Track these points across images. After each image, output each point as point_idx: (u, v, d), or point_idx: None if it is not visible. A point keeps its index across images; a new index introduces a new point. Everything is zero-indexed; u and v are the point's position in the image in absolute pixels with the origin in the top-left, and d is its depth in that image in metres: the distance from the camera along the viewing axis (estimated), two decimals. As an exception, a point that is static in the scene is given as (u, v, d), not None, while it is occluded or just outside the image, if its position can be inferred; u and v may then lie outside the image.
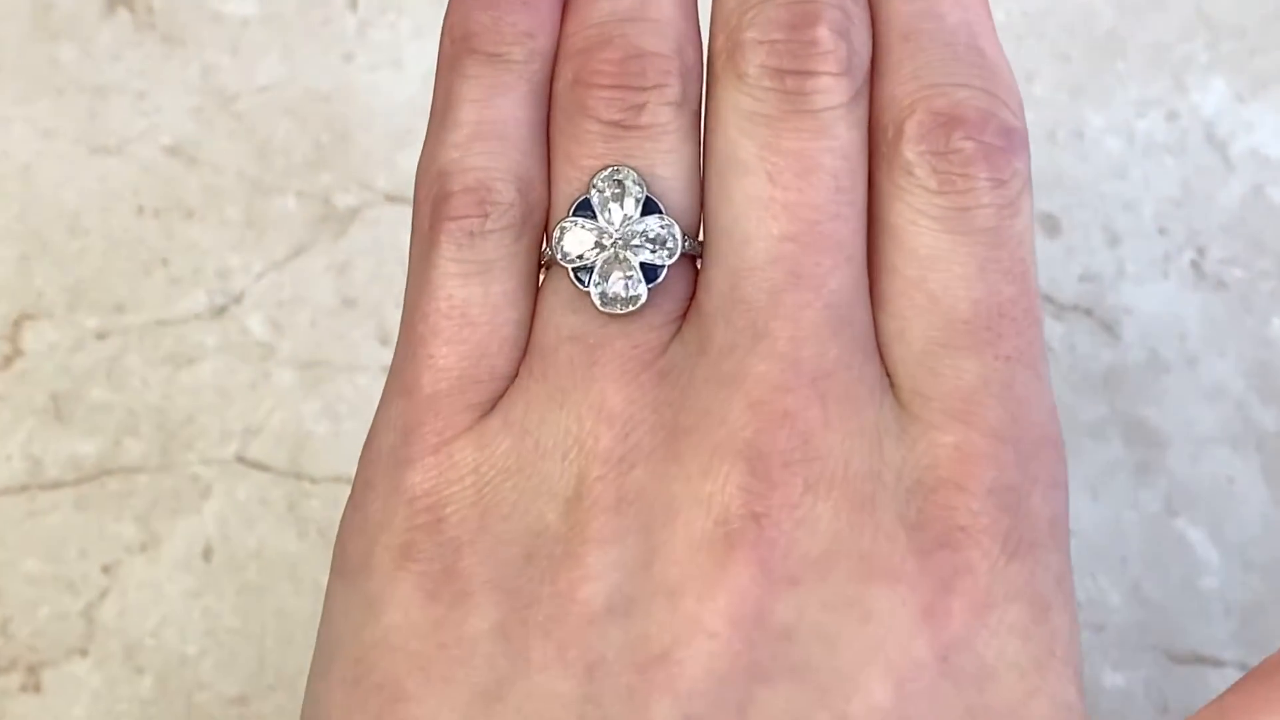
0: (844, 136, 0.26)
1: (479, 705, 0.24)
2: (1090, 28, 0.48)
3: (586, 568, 0.24)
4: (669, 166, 0.27)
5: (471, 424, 0.26)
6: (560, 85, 0.27)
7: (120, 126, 0.47)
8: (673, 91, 0.26)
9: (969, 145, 0.26)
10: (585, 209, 0.26)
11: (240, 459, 0.44)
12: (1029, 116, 0.27)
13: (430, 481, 0.25)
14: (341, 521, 0.27)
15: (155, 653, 0.42)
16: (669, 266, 0.26)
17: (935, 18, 0.27)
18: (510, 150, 0.27)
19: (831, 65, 0.26)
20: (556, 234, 0.26)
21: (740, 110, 0.26)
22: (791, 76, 0.26)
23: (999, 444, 0.25)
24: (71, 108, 0.47)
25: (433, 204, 0.27)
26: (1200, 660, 0.42)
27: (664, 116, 0.27)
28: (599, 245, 0.26)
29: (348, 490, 0.27)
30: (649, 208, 0.26)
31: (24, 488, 0.43)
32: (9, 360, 0.44)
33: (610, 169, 0.26)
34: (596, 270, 0.26)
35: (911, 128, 0.26)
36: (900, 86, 0.26)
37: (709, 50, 0.27)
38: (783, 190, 0.26)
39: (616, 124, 0.26)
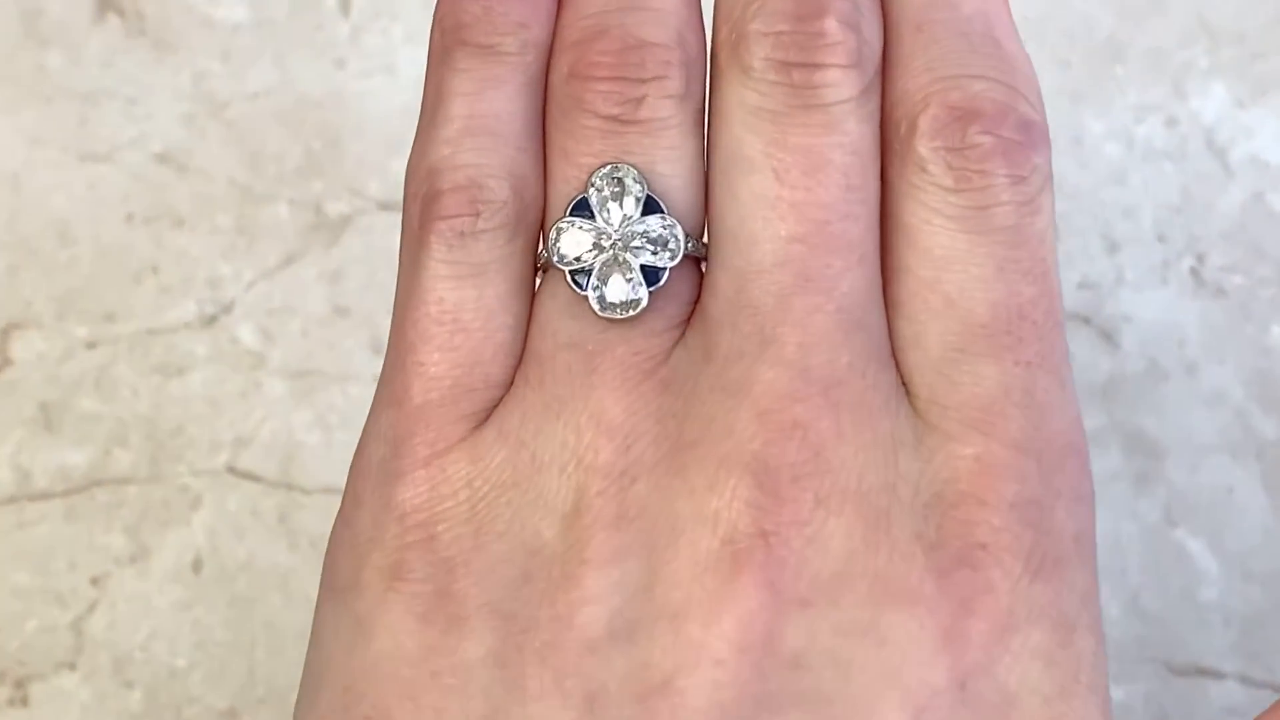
0: (854, 132, 0.25)
1: None
2: (1090, 33, 0.47)
3: (585, 590, 0.23)
4: (671, 163, 0.25)
5: (465, 435, 0.25)
6: (555, 79, 0.26)
7: (110, 134, 0.46)
8: (674, 83, 0.25)
9: (986, 140, 0.24)
10: (583, 209, 0.25)
11: (231, 469, 0.43)
12: (1028, 121, 0.26)
13: (421, 496, 0.24)
14: (330, 537, 0.26)
15: (144, 666, 0.41)
16: (671, 269, 0.25)
17: (949, 8, 0.26)
18: (503, 146, 0.26)
19: (840, 57, 0.24)
20: (553, 235, 0.25)
21: (745, 105, 0.25)
22: (798, 69, 0.24)
23: (1021, 455, 0.24)
24: (61, 115, 0.46)
25: (422, 203, 0.25)
26: (1200, 672, 0.42)
27: (665, 110, 0.25)
28: (597, 247, 0.25)
29: (340, 502, 0.26)
30: (650, 207, 0.25)
31: (12, 499, 0.43)
32: (-3, 370, 0.44)
33: (609, 166, 0.25)
34: (595, 273, 0.25)
35: (925, 122, 0.25)
36: (913, 80, 0.25)
37: (712, 44, 0.26)
38: (790, 189, 0.24)
39: (615, 119, 0.25)
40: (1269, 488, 0.43)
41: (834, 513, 0.23)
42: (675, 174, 0.25)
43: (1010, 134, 0.24)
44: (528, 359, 0.25)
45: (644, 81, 0.25)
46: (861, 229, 0.25)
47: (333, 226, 0.45)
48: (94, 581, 0.42)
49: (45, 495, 0.43)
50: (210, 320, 0.44)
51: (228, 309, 0.44)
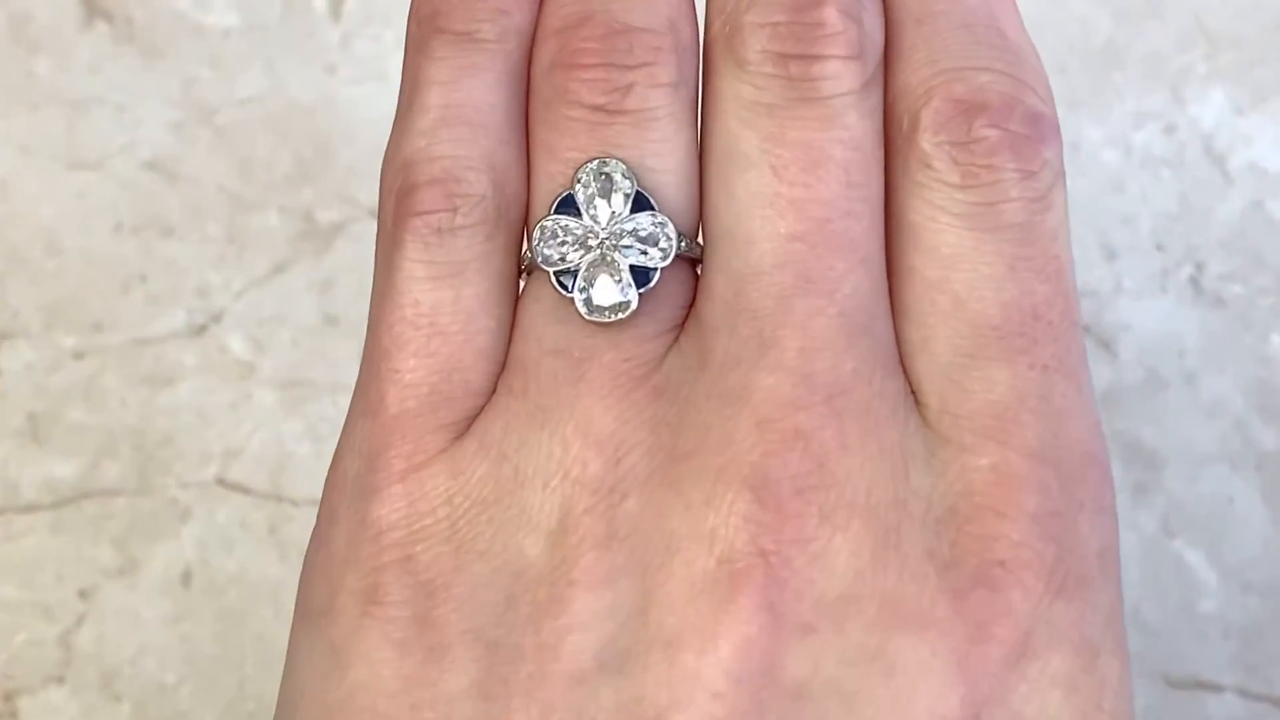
0: (856, 126, 0.23)
1: None
2: (1087, 39, 0.47)
3: (573, 615, 0.21)
4: (661, 157, 0.24)
5: (444, 447, 0.23)
6: (537, 69, 0.24)
7: (99, 141, 0.46)
8: (664, 71, 0.24)
9: (992, 134, 0.23)
10: (568, 206, 0.24)
11: (220, 481, 0.43)
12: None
13: (398, 514, 0.23)
14: (306, 557, 0.24)
15: (133, 680, 0.41)
16: (663, 270, 0.23)
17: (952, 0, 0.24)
18: (481, 138, 0.24)
19: (840, 48, 0.23)
20: (536, 234, 0.24)
21: (741, 99, 0.23)
22: (796, 61, 0.23)
23: (1039, 465, 0.22)
24: (49, 122, 0.46)
25: (396, 198, 0.24)
26: (1199, 685, 0.41)
27: (655, 100, 0.24)
28: (584, 246, 0.23)
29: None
30: (639, 203, 0.23)
31: (0, 511, 0.42)
32: (-17, 380, 0.43)
33: (596, 161, 0.23)
34: (581, 274, 0.23)
35: (928, 117, 0.23)
36: (915, 73, 0.24)
37: (705, 38, 0.25)
38: (789, 185, 0.23)
39: (601, 109, 0.24)
40: (1268, 498, 0.43)
41: (839, 529, 0.21)
42: (666, 169, 0.24)
43: (1018, 127, 0.23)
44: (511, 366, 0.24)
45: (631, 68, 0.24)
46: (864, 228, 0.23)
47: (324, 234, 0.45)
48: (82, 594, 0.42)
49: (33, 507, 0.42)
50: (199, 330, 0.44)
51: (217, 318, 0.44)
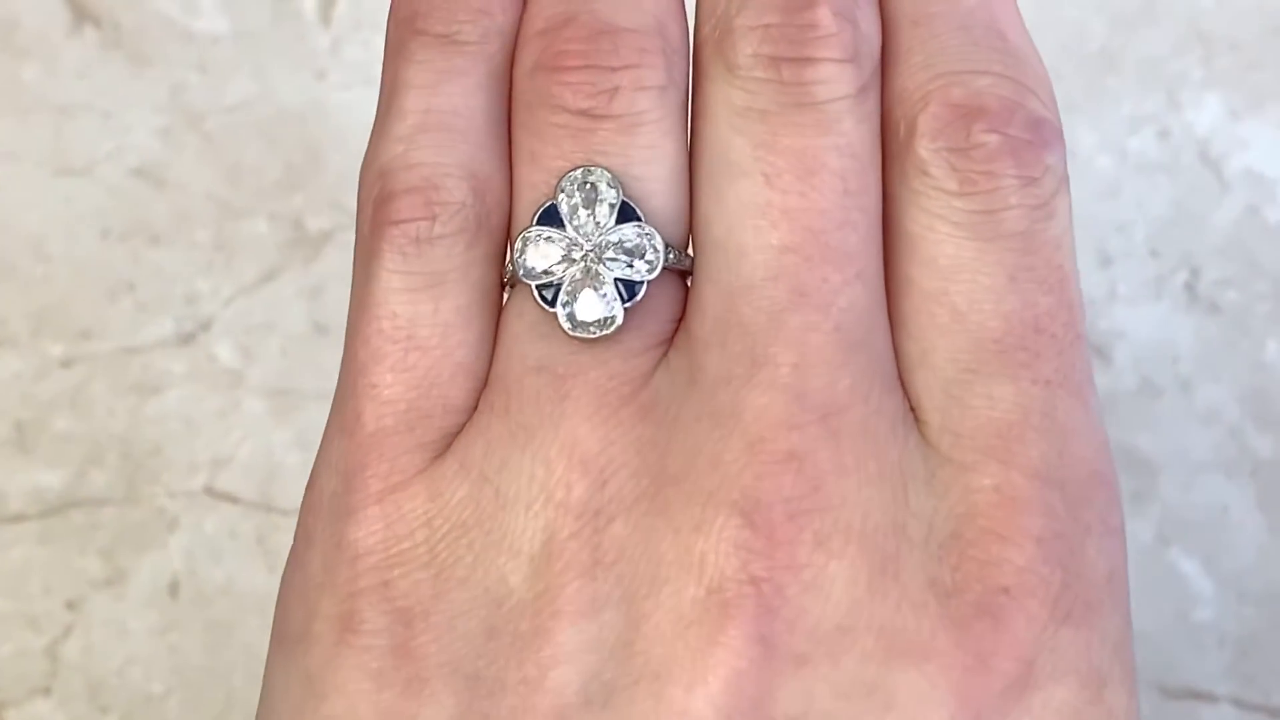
0: (851, 132, 0.22)
1: None
2: (1082, 43, 0.47)
3: (557, 647, 0.20)
4: (648, 165, 0.23)
5: (422, 467, 0.22)
6: (520, 72, 0.23)
7: (86, 148, 0.45)
8: (651, 74, 0.22)
9: (992, 139, 0.22)
10: (551, 217, 0.22)
11: (208, 490, 0.42)
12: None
13: (375, 537, 0.22)
14: (283, 577, 0.23)
15: (120, 691, 0.40)
16: (650, 283, 0.22)
17: (949, 0, 0.23)
18: (461, 144, 0.23)
19: (834, 51, 0.22)
20: (518, 246, 0.22)
21: (732, 105, 0.22)
22: (789, 65, 0.22)
23: (1044, 486, 0.21)
24: (36, 128, 0.45)
25: (374, 207, 0.23)
26: (1194, 695, 0.41)
27: (642, 104, 0.22)
28: (567, 259, 0.22)
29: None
30: (625, 213, 0.22)
31: None
32: (-32, 389, 0.43)
33: (580, 170, 0.22)
34: (564, 288, 0.22)
35: (925, 122, 0.22)
36: (911, 78, 0.23)
37: (694, 41, 0.23)
38: (782, 194, 0.22)
39: (585, 114, 0.22)
40: (1264, 507, 0.42)
41: (835, 555, 0.20)
42: (653, 177, 0.23)
43: (1018, 132, 0.22)
44: (492, 383, 0.22)
45: (616, 70, 0.22)
46: (861, 238, 0.22)
47: (313, 241, 0.44)
48: (69, 605, 0.41)
49: (19, 518, 0.42)
50: (188, 338, 0.43)
51: (206, 326, 0.43)
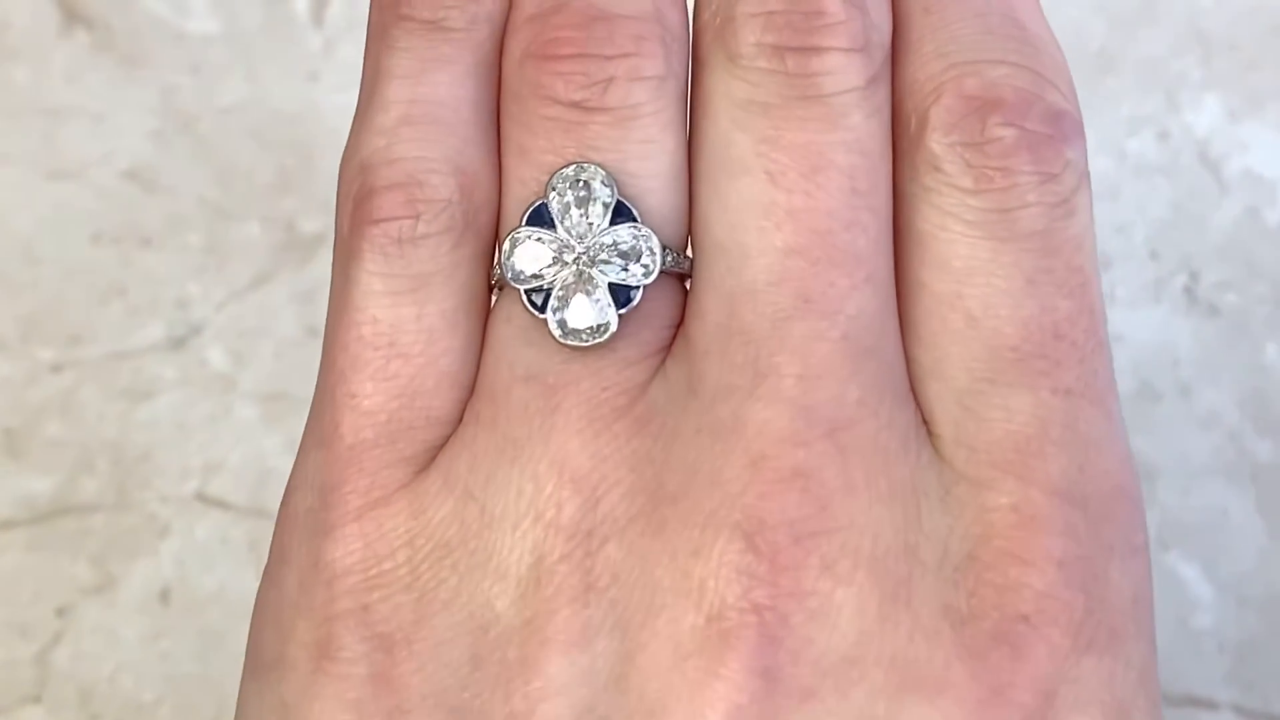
0: (860, 127, 0.21)
1: None
2: (1080, 43, 0.46)
3: (546, 679, 0.19)
4: (645, 161, 0.21)
5: (404, 482, 0.21)
6: (509, 61, 0.22)
7: (77, 150, 0.44)
8: (648, 63, 0.21)
9: (1009, 133, 0.20)
10: (542, 216, 0.21)
11: (200, 496, 0.41)
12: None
13: (353, 556, 0.20)
14: (257, 596, 0.22)
15: (111, 700, 0.40)
16: (646, 287, 0.21)
17: None
18: (447, 137, 0.21)
19: (842, 39, 0.21)
20: (506, 248, 0.21)
21: (733, 98, 0.21)
22: (794, 55, 0.20)
23: (1065, 504, 0.20)
24: (26, 131, 0.44)
25: (354, 204, 0.21)
26: (1194, 702, 0.40)
27: (638, 95, 0.21)
28: (558, 262, 0.21)
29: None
30: (620, 213, 0.21)
31: None
32: (-43, 394, 0.42)
33: (572, 167, 0.21)
34: (555, 293, 0.21)
35: (938, 115, 0.21)
36: (923, 68, 0.21)
37: (694, 29, 0.22)
38: (787, 193, 0.20)
39: (577, 106, 0.21)
40: (1264, 511, 0.41)
41: (843, 581, 0.19)
42: (650, 174, 0.21)
43: (1036, 125, 0.20)
44: (479, 393, 0.21)
45: (611, 59, 0.21)
46: (870, 240, 0.21)
47: (306, 245, 0.43)
48: (59, 612, 0.40)
49: (9, 524, 0.41)
50: (179, 342, 0.43)
51: (197, 330, 0.43)
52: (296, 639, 0.20)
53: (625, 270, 0.21)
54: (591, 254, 0.21)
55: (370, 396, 0.21)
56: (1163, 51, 0.46)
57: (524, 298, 0.21)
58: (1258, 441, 0.42)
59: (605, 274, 0.21)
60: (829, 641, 0.19)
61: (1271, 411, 0.42)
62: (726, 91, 0.21)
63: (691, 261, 0.21)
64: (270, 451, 0.42)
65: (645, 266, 0.21)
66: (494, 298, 0.22)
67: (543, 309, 0.21)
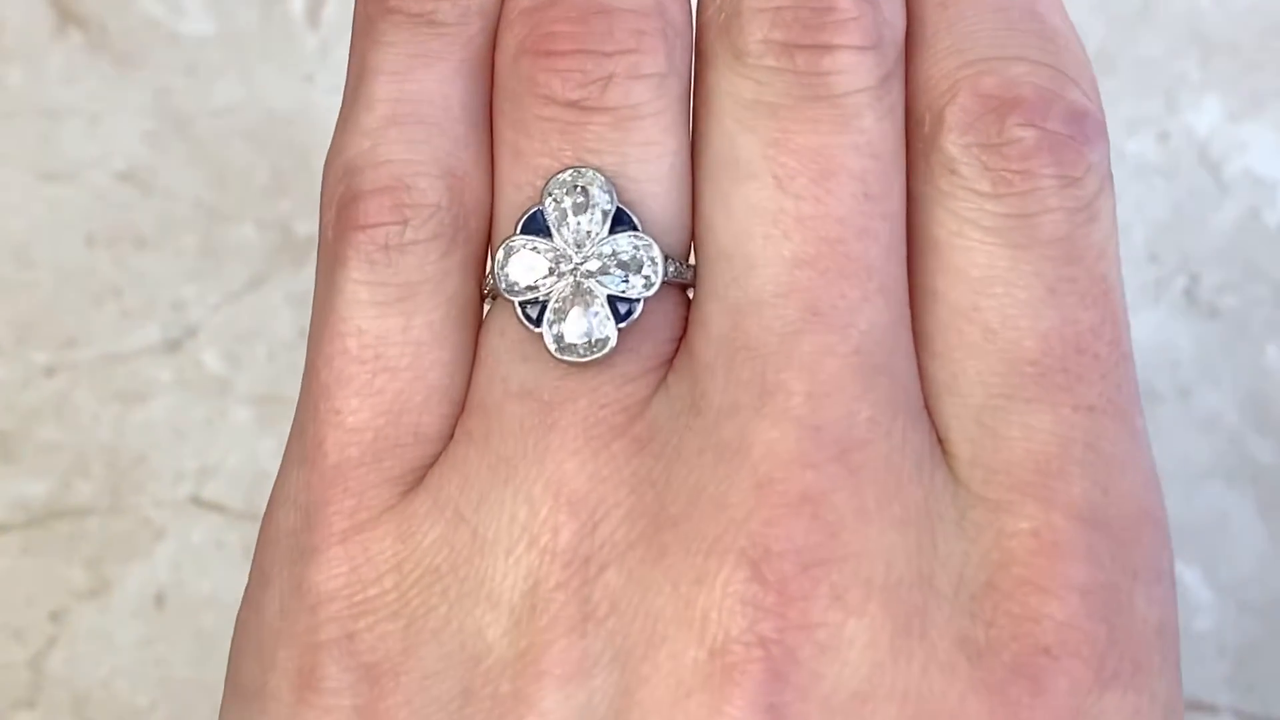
0: (872, 129, 0.19)
1: None
2: None
3: (541, 715, 0.18)
4: (645, 164, 0.20)
5: (392, 503, 0.19)
6: (503, 58, 0.20)
7: (71, 152, 0.44)
8: (649, 60, 0.20)
9: (1028, 134, 0.19)
10: (537, 223, 0.20)
11: (195, 500, 0.41)
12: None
13: (338, 581, 0.19)
14: (237, 618, 0.20)
15: (105, 704, 0.40)
16: (647, 300, 0.20)
17: None
18: (436, 137, 0.20)
19: (854, 37, 0.19)
20: (500, 256, 0.20)
21: (739, 98, 0.20)
22: (803, 53, 0.19)
23: (1088, 528, 0.18)
24: (20, 133, 0.44)
25: (338, 209, 0.20)
26: (1195, 706, 0.40)
27: (638, 94, 0.20)
28: (554, 272, 0.20)
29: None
30: (619, 221, 0.20)
31: None
32: (-50, 398, 0.41)
33: (570, 172, 0.20)
34: (551, 306, 0.20)
35: (953, 115, 0.19)
36: (938, 65, 0.20)
37: (698, 23, 0.21)
38: (795, 199, 0.19)
39: (575, 105, 0.20)
40: (1265, 514, 0.41)
41: (853, 612, 0.18)
42: (651, 178, 0.20)
43: (1058, 126, 0.19)
44: (470, 409, 0.20)
45: (610, 56, 0.20)
46: (883, 249, 0.19)
47: (301, 247, 0.43)
48: (53, 617, 0.40)
49: (2, 528, 0.41)
50: (174, 345, 0.42)
51: (192, 333, 0.42)
52: (279, 667, 0.19)
53: (625, 282, 0.20)
54: (590, 265, 0.20)
55: (355, 413, 0.20)
56: (1162, 52, 0.45)
57: (518, 310, 0.20)
58: (1259, 444, 0.42)
59: (604, 286, 0.20)
60: (839, 677, 0.18)
61: (1272, 413, 0.42)
62: (732, 91, 0.20)
63: (694, 270, 0.20)
64: (265, 454, 0.41)
65: (646, 278, 0.20)
66: (486, 307, 0.21)
67: (538, 322, 0.20)
